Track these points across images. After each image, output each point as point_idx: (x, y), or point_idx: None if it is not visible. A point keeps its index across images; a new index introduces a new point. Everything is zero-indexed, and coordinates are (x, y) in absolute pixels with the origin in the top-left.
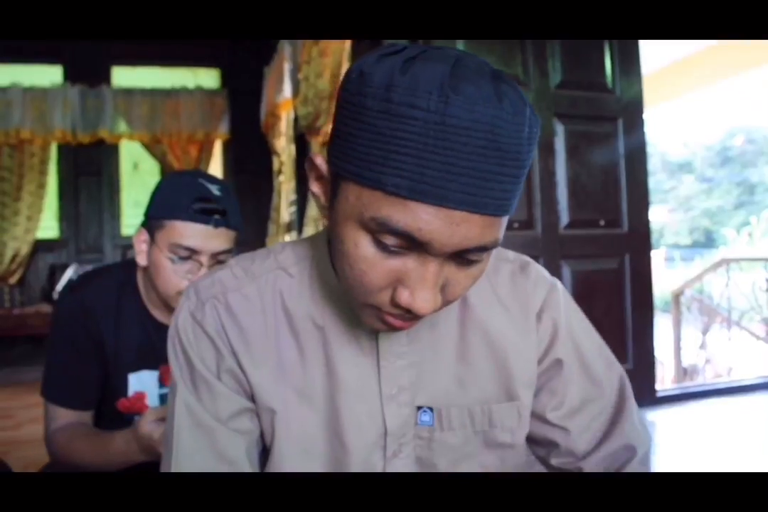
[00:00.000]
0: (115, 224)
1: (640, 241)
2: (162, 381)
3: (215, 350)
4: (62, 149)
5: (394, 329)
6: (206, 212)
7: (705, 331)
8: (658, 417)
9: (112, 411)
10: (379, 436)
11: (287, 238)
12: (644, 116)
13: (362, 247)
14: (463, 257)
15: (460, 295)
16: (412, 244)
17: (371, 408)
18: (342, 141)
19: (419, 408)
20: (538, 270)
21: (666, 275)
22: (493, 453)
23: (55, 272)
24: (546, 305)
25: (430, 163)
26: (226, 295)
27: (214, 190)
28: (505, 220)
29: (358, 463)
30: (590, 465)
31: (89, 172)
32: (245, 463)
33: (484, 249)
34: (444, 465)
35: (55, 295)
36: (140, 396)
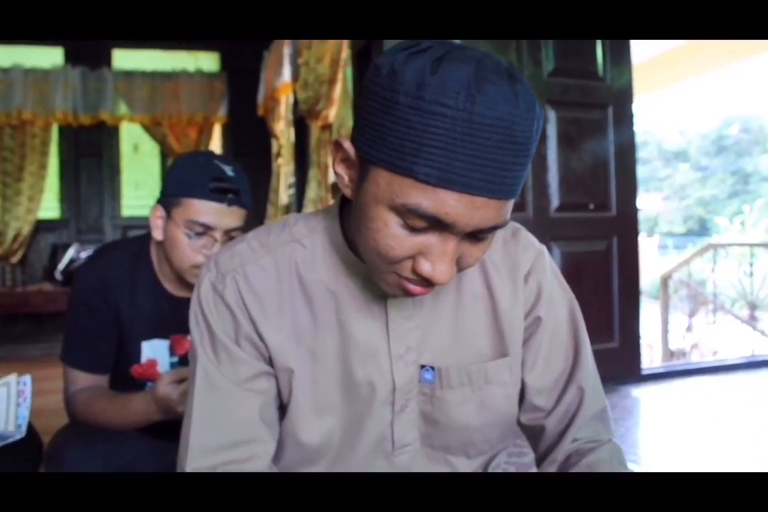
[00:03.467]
0: (115, 205)
1: (627, 224)
2: (172, 350)
3: (234, 319)
4: (63, 130)
5: (411, 296)
6: (221, 191)
7: (692, 315)
8: (642, 394)
9: (126, 377)
10: (389, 392)
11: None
12: (634, 104)
13: (391, 226)
14: (477, 235)
15: (471, 266)
16: (437, 225)
17: (381, 367)
18: (372, 130)
19: (422, 366)
20: (528, 236)
21: (658, 262)
22: (489, 413)
23: (57, 251)
24: (533, 268)
25: (458, 155)
26: (244, 267)
27: (228, 170)
28: (512, 202)
29: (370, 416)
30: (552, 423)
31: (90, 153)
32: (257, 423)
33: (497, 228)
34: (444, 421)
35: (57, 275)
36: (152, 363)
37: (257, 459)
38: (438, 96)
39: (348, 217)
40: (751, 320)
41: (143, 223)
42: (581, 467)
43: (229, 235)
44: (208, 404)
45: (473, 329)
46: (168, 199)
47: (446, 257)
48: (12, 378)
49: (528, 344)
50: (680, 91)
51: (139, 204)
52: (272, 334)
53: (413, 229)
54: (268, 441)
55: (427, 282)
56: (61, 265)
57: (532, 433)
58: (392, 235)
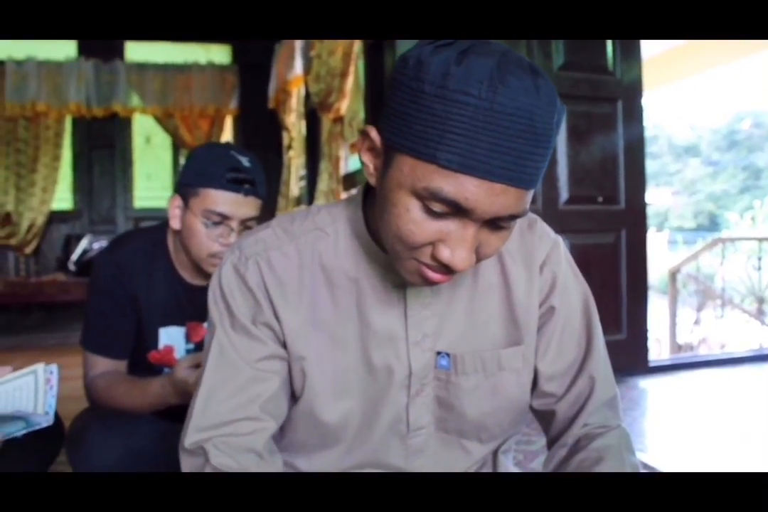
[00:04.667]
0: (128, 196)
1: (636, 217)
2: (188, 337)
3: (255, 301)
4: (77, 122)
5: (430, 283)
6: (237, 182)
7: (699, 308)
8: (649, 385)
9: (143, 363)
10: (405, 377)
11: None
12: (643, 98)
13: (413, 211)
14: (496, 223)
15: (491, 255)
16: (457, 210)
17: (399, 353)
18: (398, 119)
19: (438, 353)
20: (544, 227)
21: (667, 258)
22: (501, 398)
23: (70, 242)
24: (548, 258)
25: (479, 143)
26: (268, 252)
27: (245, 161)
28: (531, 193)
29: (387, 399)
30: (563, 409)
31: (103, 144)
32: (262, 402)
33: (516, 217)
34: (459, 406)
35: (71, 265)
36: (169, 350)
37: (258, 434)
38: (462, 85)
39: (371, 206)
40: (759, 314)
41: (155, 215)
42: (590, 451)
43: (245, 225)
44: (217, 379)
45: (488, 317)
46: (186, 188)
47: (466, 244)
48: (39, 366)
49: (541, 332)
50: (691, 85)
51: (151, 195)
52: (291, 319)
53: (434, 214)
54: (270, 421)
55: (447, 269)
56: (75, 256)
57: (544, 418)
58: (413, 219)
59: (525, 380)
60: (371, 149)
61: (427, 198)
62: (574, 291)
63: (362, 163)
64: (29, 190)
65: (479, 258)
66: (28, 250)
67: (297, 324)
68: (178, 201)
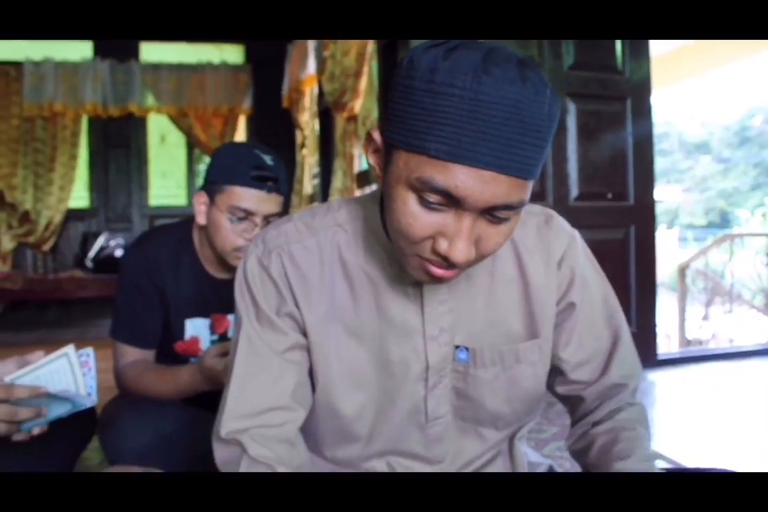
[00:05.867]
0: (143, 194)
1: (645, 213)
2: (213, 329)
3: (278, 293)
4: (93, 122)
5: (436, 280)
6: (261, 179)
7: (708, 304)
8: (658, 378)
9: (170, 353)
10: (422, 370)
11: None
12: (652, 96)
13: (409, 204)
14: (493, 214)
15: (492, 250)
16: (450, 201)
17: (416, 347)
18: (394, 117)
19: (457, 347)
20: (560, 222)
21: (678, 255)
22: (518, 389)
23: (88, 240)
24: (566, 254)
25: (465, 131)
26: (290, 246)
27: (268, 159)
28: (529, 185)
29: (404, 392)
30: (591, 394)
31: (118, 144)
32: (291, 391)
33: (511, 207)
34: (477, 397)
35: (88, 262)
36: (195, 340)
37: (289, 424)
38: (448, 78)
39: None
40: (767, 309)
41: (170, 213)
42: (616, 422)
43: (268, 220)
44: (248, 370)
45: (506, 311)
46: (211, 186)
47: (462, 235)
48: (69, 348)
49: (563, 326)
50: (702, 82)
51: (166, 194)
52: (311, 311)
53: (430, 207)
54: (299, 410)
55: (448, 264)
56: (92, 253)
57: (570, 402)
58: (411, 212)
59: (541, 372)
60: (376, 151)
61: (421, 189)
62: (593, 285)
63: (370, 166)
64: (47, 189)
65: (481, 254)
66: (46, 247)
67: (317, 316)
68: (204, 197)
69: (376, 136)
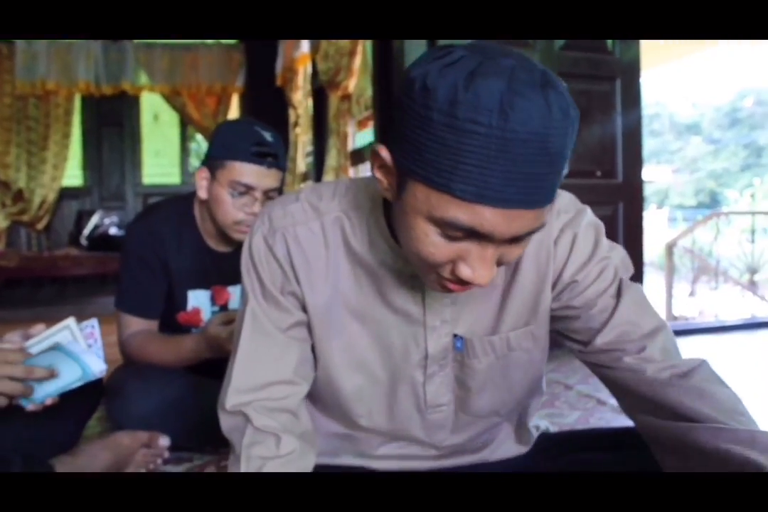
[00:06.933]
0: (137, 173)
1: (633, 190)
2: (214, 300)
3: (282, 273)
4: (86, 100)
5: (452, 292)
6: (261, 155)
7: (695, 281)
8: None
9: (172, 324)
10: (422, 358)
11: (302, 187)
12: (641, 77)
13: (431, 236)
14: (515, 238)
15: (511, 262)
16: (474, 234)
17: (416, 335)
18: (408, 144)
19: (455, 336)
20: (561, 201)
21: (667, 234)
22: (514, 375)
23: (82, 218)
24: (562, 233)
25: (493, 172)
26: (295, 228)
27: (267, 136)
28: (550, 206)
29: (403, 377)
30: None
31: (112, 122)
32: (294, 366)
33: (534, 232)
34: (474, 386)
35: (83, 240)
36: (197, 311)
37: (291, 397)
38: (471, 114)
39: (390, 207)
40: (751, 285)
41: (164, 191)
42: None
43: (268, 195)
44: (252, 346)
45: (498, 300)
46: (213, 161)
47: (486, 262)
48: (70, 320)
49: (571, 304)
50: (694, 63)
51: (159, 172)
52: (314, 293)
53: (452, 238)
54: (302, 384)
55: (467, 283)
56: (86, 231)
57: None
58: (432, 243)
59: (537, 357)
60: (383, 167)
61: (443, 225)
62: (597, 259)
63: (376, 178)
64: (40, 167)
65: (499, 265)
66: (40, 225)
67: (319, 299)
68: (206, 172)
69: (384, 154)
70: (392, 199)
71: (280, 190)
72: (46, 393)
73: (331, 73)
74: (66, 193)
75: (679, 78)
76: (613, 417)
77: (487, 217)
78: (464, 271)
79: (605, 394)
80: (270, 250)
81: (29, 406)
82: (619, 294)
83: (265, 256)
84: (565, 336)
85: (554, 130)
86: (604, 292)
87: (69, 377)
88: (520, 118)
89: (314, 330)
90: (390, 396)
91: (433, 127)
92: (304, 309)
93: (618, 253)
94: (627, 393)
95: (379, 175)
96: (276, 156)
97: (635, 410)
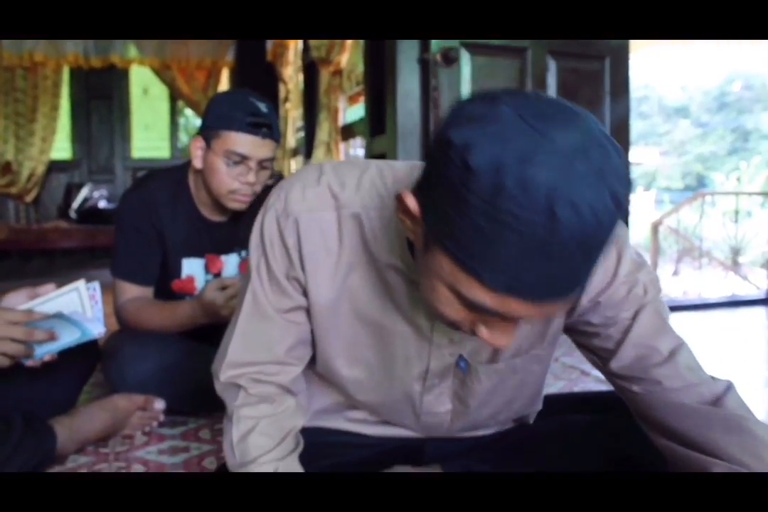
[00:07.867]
0: (126, 146)
1: None
2: (207, 268)
3: (288, 259)
4: (74, 73)
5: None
6: (256, 125)
7: (679, 260)
8: None
9: (167, 291)
10: (422, 371)
11: (293, 162)
12: (630, 56)
13: (452, 304)
14: None
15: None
16: (500, 314)
17: (420, 350)
18: (440, 214)
19: (460, 355)
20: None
21: (654, 216)
22: (516, 393)
23: (71, 191)
24: None
25: (529, 269)
26: (310, 214)
27: (262, 107)
28: None
29: (402, 384)
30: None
31: (101, 95)
32: (289, 347)
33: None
34: (473, 404)
35: (72, 213)
36: (191, 279)
37: (283, 374)
38: (515, 208)
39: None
40: (734, 265)
41: (153, 165)
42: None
43: (262, 165)
44: (251, 324)
45: (526, 336)
46: (208, 131)
47: (509, 335)
48: (80, 283)
49: (590, 327)
50: (684, 46)
51: (148, 146)
52: (318, 284)
53: (475, 309)
54: (296, 364)
55: None
56: (76, 204)
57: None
58: (453, 308)
59: (540, 375)
60: (407, 212)
61: (467, 302)
62: (619, 279)
63: (400, 219)
64: (29, 140)
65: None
66: (29, 198)
67: (323, 293)
68: (201, 142)
69: (411, 204)
70: (416, 246)
71: (274, 161)
72: (45, 348)
73: (324, 49)
74: (55, 166)
75: (669, 61)
76: (596, 387)
77: (514, 307)
78: (485, 335)
79: (588, 366)
80: (281, 235)
81: (28, 362)
82: (636, 315)
83: (276, 239)
84: (584, 350)
85: (603, 228)
86: (624, 312)
87: (67, 337)
88: (569, 222)
89: (314, 321)
90: (387, 395)
91: (470, 210)
92: (306, 294)
93: (646, 273)
94: (649, 418)
95: (402, 216)
96: (270, 126)
97: (657, 434)
